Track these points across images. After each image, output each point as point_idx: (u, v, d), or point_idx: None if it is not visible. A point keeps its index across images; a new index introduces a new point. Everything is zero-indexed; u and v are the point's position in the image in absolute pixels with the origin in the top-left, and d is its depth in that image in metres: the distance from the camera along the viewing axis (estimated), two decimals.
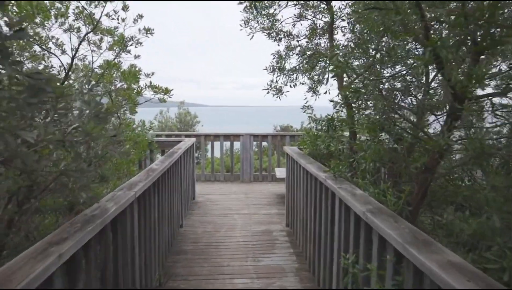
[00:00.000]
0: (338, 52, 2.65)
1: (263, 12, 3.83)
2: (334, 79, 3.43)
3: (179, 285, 3.06)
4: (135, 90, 3.36)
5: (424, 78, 3.25)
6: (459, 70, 2.61)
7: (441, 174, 2.93)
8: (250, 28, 3.97)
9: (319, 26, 4.05)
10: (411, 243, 1.35)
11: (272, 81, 4.04)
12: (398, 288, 1.51)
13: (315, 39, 4.10)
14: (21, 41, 2.83)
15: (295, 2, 3.95)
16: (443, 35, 2.28)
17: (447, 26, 2.34)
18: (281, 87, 4.08)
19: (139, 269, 2.45)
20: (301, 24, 4.11)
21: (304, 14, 3.98)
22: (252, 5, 3.82)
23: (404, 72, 3.12)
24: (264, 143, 8.45)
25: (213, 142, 7.48)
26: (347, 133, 3.82)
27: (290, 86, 4.11)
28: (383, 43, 2.88)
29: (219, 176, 7.50)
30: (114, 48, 3.10)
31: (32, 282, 1.12)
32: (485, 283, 1.05)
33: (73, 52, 2.75)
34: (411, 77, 3.14)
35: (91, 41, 3.00)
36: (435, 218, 3.02)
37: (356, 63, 3.10)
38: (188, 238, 4.12)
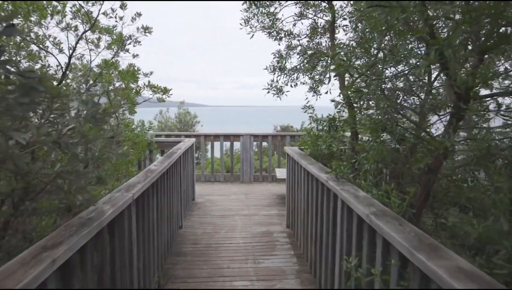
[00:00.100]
0: (340, 50, 2.60)
1: (263, 10, 3.79)
2: (335, 79, 3.38)
3: (178, 288, 3.01)
4: (134, 90, 3.31)
5: (426, 78, 3.21)
6: (462, 69, 2.57)
7: (444, 175, 2.89)
8: (250, 27, 3.93)
9: (320, 25, 4.00)
10: (417, 247, 1.31)
11: (272, 80, 4.00)
12: None
13: (316, 38, 4.06)
14: (17, 40, 2.78)
15: (295, 1, 3.90)
16: (448, 34, 2.23)
17: (450, 24, 2.29)
18: (281, 86, 4.04)
19: (137, 272, 2.40)
20: (302, 23, 4.08)
21: (305, 13, 3.93)
22: (253, 3, 3.77)
23: (406, 71, 3.08)
24: (264, 143, 8.41)
25: (213, 142, 7.44)
26: (348, 134, 3.78)
27: (291, 86, 4.06)
28: (386, 42, 2.83)
29: (219, 176, 7.45)
30: (112, 47, 3.05)
31: (24, 288, 1.07)
32: None
33: (70, 51, 2.70)
34: (413, 77, 3.10)
35: (89, 40, 2.95)
36: (438, 220, 2.97)
37: (357, 62, 3.06)
38: (188, 240, 4.07)
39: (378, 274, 1.58)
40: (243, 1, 3.86)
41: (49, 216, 2.36)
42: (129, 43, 3.06)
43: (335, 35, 3.74)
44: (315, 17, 3.98)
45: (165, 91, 3.24)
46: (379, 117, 2.85)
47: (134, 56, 3.17)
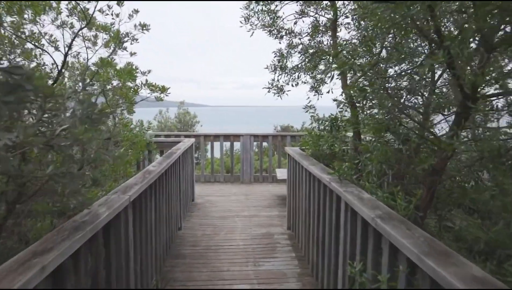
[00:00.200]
0: (343, 48, 2.53)
1: (264, 8, 3.71)
2: (337, 78, 3.31)
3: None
4: (132, 89, 3.24)
5: (429, 77, 3.15)
6: (468, 68, 2.51)
7: (448, 176, 2.82)
8: (251, 25, 3.86)
9: (322, 23, 3.93)
10: (428, 253, 1.24)
11: (273, 80, 3.93)
12: None
13: (317, 36, 3.99)
14: (12, 38, 2.72)
15: None
16: (460, 30, 2.16)
17: (457, 19, 2.23)
18: (282, 86, 3.97)
19: (134, 275, 2.34)
20: (303, 21, 4.00)
21: (306, 10, 3.86)
22: (253, 1, 3.70)
23: (409, 70, 3.01)
24: (265, 144, 8.34)
25: (212, 143, 7.37)
26: (350, 134, 3.71)
27: (292, 85, 3.99)
28: (390, 39, 2.76)
29: (219, 177, 7.39)
30: (110, 45, 2.98)
31: None
32: None
33: (66, 49, 2.64)
34: (418, 77, 3.03)
35: (86, 38, 2.88)
36: (443, 223, 2.91)
37: (360, 61, 2.99)
38: (187, 241, 4.01)
39: (385, 281, 1.51)
40: (243, 0, 3.79)
41: (44, 218, 2.30)
42: (126, 41, 2.99)
43: (337, 34, 3.67)
44: (316, 15, 3.91)
45: (163, 90, 3.18)
46: (382, 116, 2.79)
47: (131, 54, 3.10)
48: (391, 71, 3.02)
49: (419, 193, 1.93)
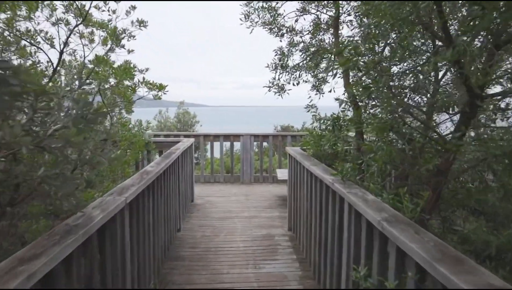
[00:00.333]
0: (347, 45, 2.46)
1: (264, 5, 3.64)
2: (340, 77, 3.25)
3: None
4: (130, 88, 3.17)
5: (433, 75, 3.08)
6: (472, 66, 2.44)
7: (452, 176, 2.75)
8: (251, 22, 3.78)
9: (323, 20, 3.86)
10: (439, 260, 1.17)
11: (274, 78, 3.86)
12: None
13: (319, 34, 3.92)
14: (6, 36, 2.65)
15: None
16: (459, 32, 2.09)
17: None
18: (283, 85, 3.90)
19: (131, 277, 2.27)
20: (304, 19, 3.92)
21: (307, 8, 3.79)
22: None
23: (413, 68, 2.94)
24: (265, 144, 8.28)
25: (212, 143, 7.30)
26: (352, 133, 3.64)
27: (293, 84, 3.92)
28: (394, 36, 2.69)
29: (218, 177, 7.32)
30: (107, 42, 2.91)
31: None
32: None
33: (62, 47, 2.57)
34: (422, 75, 2.97)
35: (82, 35, 2.81)
36: (447, 225, 2.84)
37: (363, 60, 2.93)
38: (186, 243, 3.94)
39: (392, 287, 1.44)
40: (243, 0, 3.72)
41: (38, 221, 2.23)
42: (123, 37, 2.92)
43: (339, 32, 3.60)
44: (318, 13, 3.84)
45: (161, 87, 3.10)
46: (386, 116, 2.72)
47: (129, 51, 3.03)
48: (394, 70, 2.96)
49: (426, 195, 1.86)
